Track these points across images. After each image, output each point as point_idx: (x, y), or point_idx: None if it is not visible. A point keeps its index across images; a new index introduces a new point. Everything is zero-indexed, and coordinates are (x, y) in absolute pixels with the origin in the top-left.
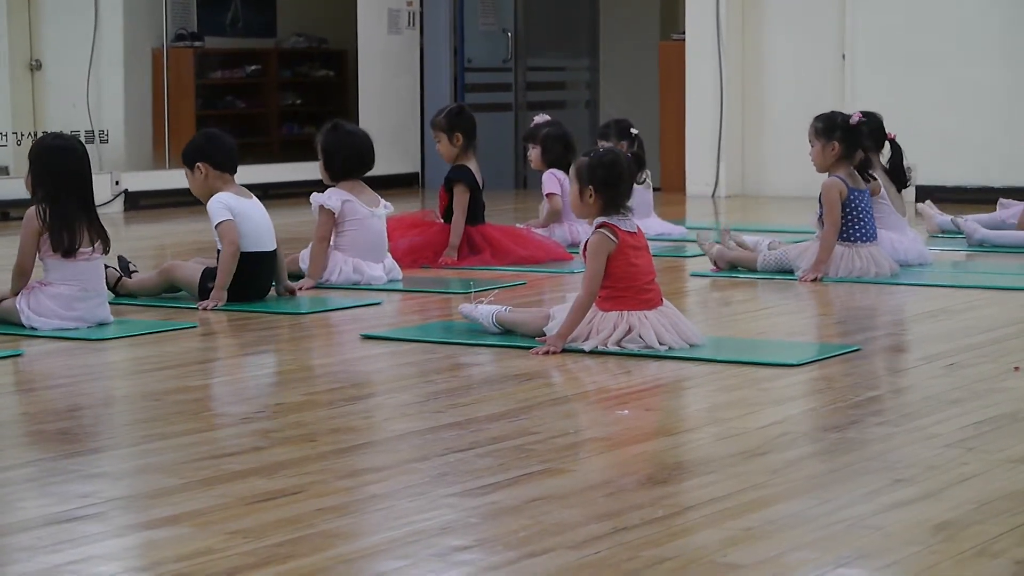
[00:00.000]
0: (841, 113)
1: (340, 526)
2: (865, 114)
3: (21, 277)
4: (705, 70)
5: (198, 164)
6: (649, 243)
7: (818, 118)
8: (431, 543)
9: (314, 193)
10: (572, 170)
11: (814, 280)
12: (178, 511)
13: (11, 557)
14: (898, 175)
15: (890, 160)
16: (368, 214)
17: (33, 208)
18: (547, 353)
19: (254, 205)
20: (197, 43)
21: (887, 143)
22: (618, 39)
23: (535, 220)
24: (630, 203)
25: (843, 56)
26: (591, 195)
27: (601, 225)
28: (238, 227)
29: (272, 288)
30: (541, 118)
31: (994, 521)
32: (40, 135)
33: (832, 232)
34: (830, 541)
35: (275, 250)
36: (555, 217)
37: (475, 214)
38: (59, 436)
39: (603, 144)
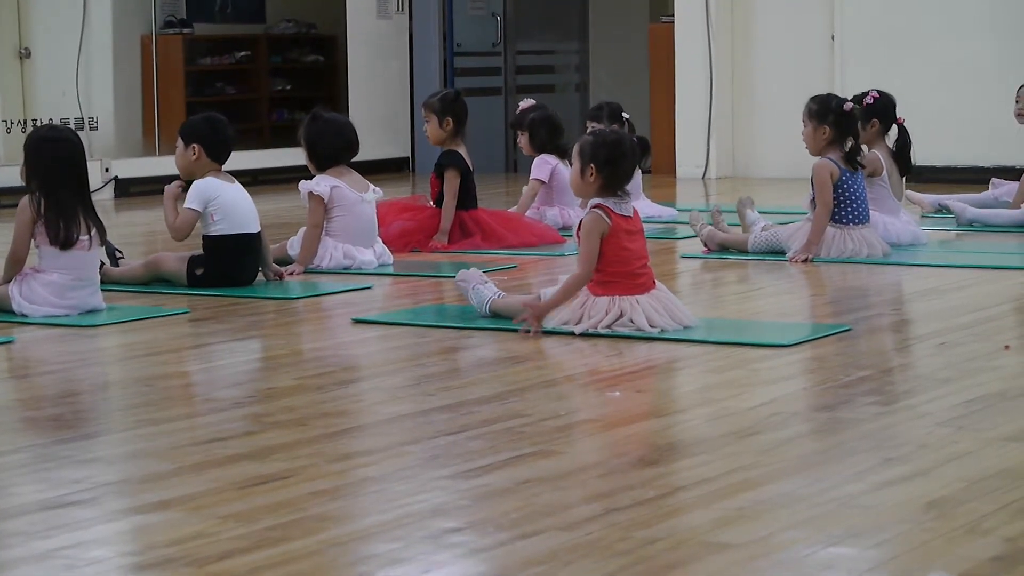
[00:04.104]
0: (836, 96)
1: (332, 509)
2: (881, 94)
3: (15, 266)
4: (694, 52)
5: (193, 145)
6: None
7: (813, 99)
8: (423, 526)
9: (302, 181)
10: (575, 148)
11: (805, 261)
12: (170, 496)
13: (4, 542)
14: (904, 159)
15: (896, 143)
16: (357, 199)
17: (27, 197)
18: (525, 324)
19: (238, 190)
20: (186, 30)
21: (895, 126)
22: (607, 22)
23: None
24: (629, 186)
25: (832, 36)
26: (592, 174)
27: (596, 206)
28: (224, 211)
29: (260, 273)
30: (526, 103)
31: (985, 499)
32: (36, 126)
33: (824, 213)
34: (821, 520)
35: (259, 232)
36: (530, 201)
37: (467, 199)
38: (51, 422)
39: (594, 125)
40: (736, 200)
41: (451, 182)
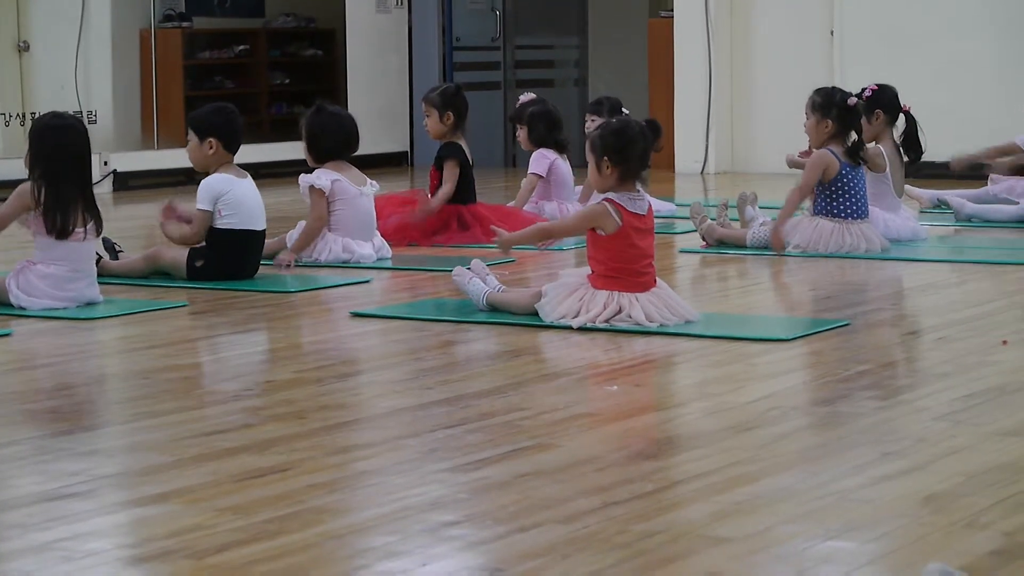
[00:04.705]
0: (841, 90)
1: (330, 502)
2: (880, 86)
3: None
4: (694, 47)
5: (210, 139)
6: None
7: (817, 92)
8: (421, 519)
9: (302, 175)
10: (587, 146)
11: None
12: (168, 488)
13: (2, 535)
14: (913, 146)
15: (904, 132)
16: (357, 193)
17: (29, 184)
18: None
19: (248, 185)
20: (185, 23)
21: (902, 115)
22: (607, 17)
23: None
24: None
25: (831, 32)
26: (607, 166)
27: (606, 200)
28: (233, 207)
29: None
30: (526, 97)
31: (982, 493)
32: (41, 114)
33: (797, 193)
34: (819, 514)
35: (264, 230)
36: (528, 195)
37: (466, 193)
38: (49, 414)
39: (593, 119)
40: (738, 195)
41: (451, 170)
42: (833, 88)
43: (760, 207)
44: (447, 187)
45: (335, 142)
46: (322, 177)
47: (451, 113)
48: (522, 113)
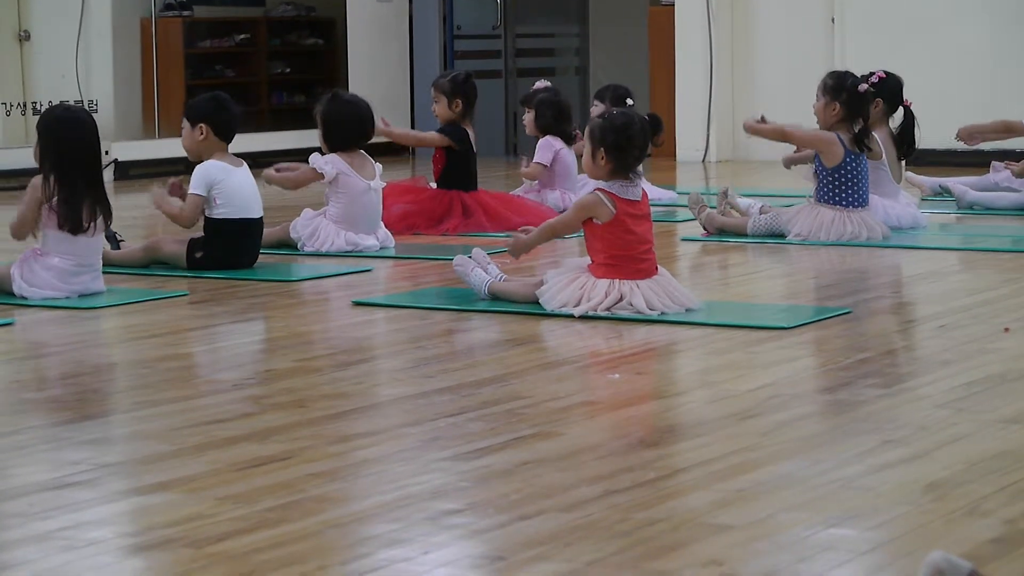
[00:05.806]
0: (853, 75)
1: (331, 491)
2: (887, 74)
3: (15, 238)
4: (695, 35)
5: (201, 125)
6: None
7: (830, 74)
8: (422, 507)
9: (316, 154)
10: (586, 131)
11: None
12: (169, 477)
13: (4, 523)
14: (907, 140)
15: (901, 125)
16: (365, 188)
17: (40, 177)
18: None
19: (244, 173)
20: (186, 12)
21: (902, 108)
22: (607, 5)
23: (522, 187)
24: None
25: (832, 20)
26: (603, 157)
27: (598, 190)
28: (228, 196)
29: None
30: (541, 84)
31: (984, 481)
32: (35, 109)
33: (791, 132)
34: (820, 502)
35: (261, 218)
36: (531, 178)
37: (467, 180)
38: (51, 403)
39: (596, 103)
40: (722, 200)
41: (441, 140)
42: (846, 72)
43: (762, 195)
44: (417, 139)
45: (349, 131)
46: (329, 164)
47: (460, 100)
48: (532, 97)
